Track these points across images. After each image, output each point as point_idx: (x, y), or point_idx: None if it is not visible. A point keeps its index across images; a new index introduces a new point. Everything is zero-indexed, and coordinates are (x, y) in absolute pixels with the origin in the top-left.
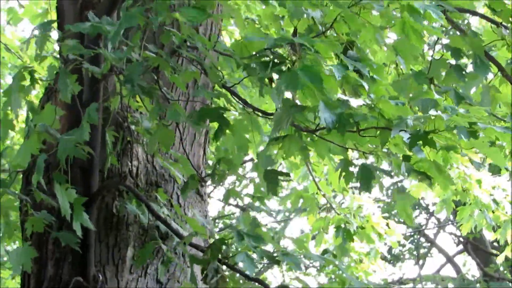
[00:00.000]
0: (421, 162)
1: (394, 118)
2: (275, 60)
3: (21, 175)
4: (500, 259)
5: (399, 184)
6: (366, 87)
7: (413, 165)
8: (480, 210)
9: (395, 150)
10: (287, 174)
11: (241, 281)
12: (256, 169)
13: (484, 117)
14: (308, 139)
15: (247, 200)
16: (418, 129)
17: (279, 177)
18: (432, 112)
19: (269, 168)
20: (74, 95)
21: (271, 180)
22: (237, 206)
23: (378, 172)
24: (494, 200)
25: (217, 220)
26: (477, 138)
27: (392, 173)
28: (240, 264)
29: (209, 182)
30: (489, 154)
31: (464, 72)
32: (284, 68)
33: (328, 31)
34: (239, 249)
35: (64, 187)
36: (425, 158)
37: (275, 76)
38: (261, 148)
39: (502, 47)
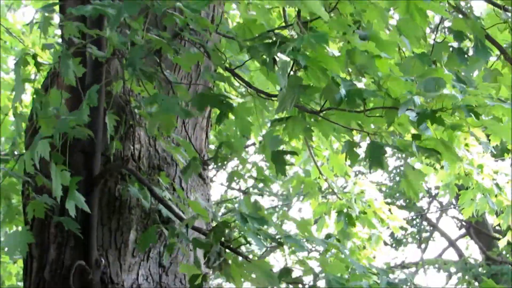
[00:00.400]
0: (427, 140)
1: (401, 97)
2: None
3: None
4: (502, 243)
5: (406, 163)
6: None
7: (420, 144)
8: (483, 194)
9: (399, 130)
10: (295, 153)
11: (244, 265)
12: (262, 151)
13: (491, 96)
14: (312, 120)
15: (250, 183)
16: (425, 108)
17: (286, 157)
18: (439, 91)
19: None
20: (77, 79)
21: (279, 160)
22: (239, 190)
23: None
24: (497, 185)
25: (219, 205)
26: (478, 118)
27: (398, 154)
28: (243, 248)
29: (211, 166)
30: (497, 130)
31: (466, 56)
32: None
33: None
34: (241, 233)
35: (59, 168)
36: (431, 136)
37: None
38: (264, 132)
39: (504, 30)
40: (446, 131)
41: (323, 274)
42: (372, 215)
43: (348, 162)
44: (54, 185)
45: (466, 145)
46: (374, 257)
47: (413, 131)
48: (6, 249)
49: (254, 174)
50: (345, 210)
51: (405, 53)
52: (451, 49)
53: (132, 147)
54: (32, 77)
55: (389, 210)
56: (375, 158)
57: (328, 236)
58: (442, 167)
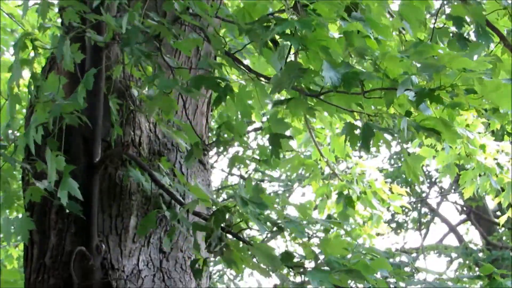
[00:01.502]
0: (427, 120)
1: (399, 77)
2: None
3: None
4: (502, 220)
5: (403, 149)
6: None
7: (419, 123)
8: (484, 173)
9: (399, 110)
10: (291, 137)
11: (246, 249)
12: (268, 132)
13: (488, 71)
14: (314, 101)
15: (251, 168)
16: (423, 87)
17: (283, 140)
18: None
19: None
20: (76, 66)
21: (275, 143)
22: (240, 176)
23: (379, 132)
24: (498, 164)
25: (220, 191)
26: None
27: (397, 135)
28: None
29: (212, 152)
30: (497, 99)
31: (466, 41)
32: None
33: None
34: (242, 219)
35: (54, 154)
36: (431, 116)
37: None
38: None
39: (504, 17)
40: (446, 109)
41: (323, 257)
42: (372, 196)
43: (348, 144)
44: (49, 170)
45: (467, 125)
46: (377, 234)
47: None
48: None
49: (256, 159)
50: (345, 192)
51: (405, 37)
52: (451, 34)
53: (132, 133)
54: (32, 59)
55: (390, 189)
56: (365, 140)
57: (329, 217)
58: (442, 149)
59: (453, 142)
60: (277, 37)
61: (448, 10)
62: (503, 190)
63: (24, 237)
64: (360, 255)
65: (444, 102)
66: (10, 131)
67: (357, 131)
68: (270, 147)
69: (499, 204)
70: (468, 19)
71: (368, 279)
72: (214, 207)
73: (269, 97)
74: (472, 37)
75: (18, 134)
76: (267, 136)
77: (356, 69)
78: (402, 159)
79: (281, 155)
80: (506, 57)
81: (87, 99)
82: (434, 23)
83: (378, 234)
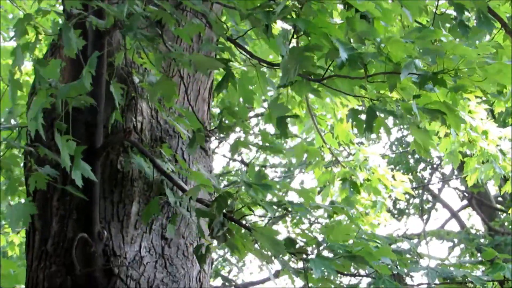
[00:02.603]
0: (430, 104)
1: (402, 60)
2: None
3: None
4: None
5: (411, 123)
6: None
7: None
8: (487, 160)
9: (402, 95)
10: (297, 116)
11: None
12: (268, 119)
13: (491, 55)
14: (317, 85)
15: (252, 155)
16: (426, 70)
17: (288, 120)
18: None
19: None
20: (78, 52)
21: (282, 124)
22: (242, 162)
23: (383, 115)
24: (501, 151)
25: (221, 177)
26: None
27: (400, 126)
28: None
29: (214, 137)
30: (501, 78)
31: (467, 28)
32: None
33: None
34: (244, 205)
35: (65, 138)
36: (434, 100)
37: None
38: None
39: (506, 3)
40: (449, 93)
41: (325, 244)
42: (377, 182)
43: (354, 130)
44: (62, 154)
45: (470, 112)
46: (378, 224)
47: None
48: (8, 220)
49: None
50: (349, 178)
51: (406, 24)
52: (453, 21)
53: (134, 119)
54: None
55: (393, 176)
56: (368, 123)
57: (332, 203)
58: (445, 135)
59: (457, 127)
60: (279, 22)
61: None
62: (505, 178)
63: (25, 222)
64: (364, 242)
65: (448, 85)
66: (12, 119)
67: (362, 116)
68: (277, 129)
69: (500, 187)
70: (469, 5)
71: (372, 264)
72: (216, 193)
73: (271, 83)
74: (474, 24)
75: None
76: (269, 122)
77: (360, 51)
78: (408, 139)
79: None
80: (508, 43)
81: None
82: (436, 7)
83: (379, 224)
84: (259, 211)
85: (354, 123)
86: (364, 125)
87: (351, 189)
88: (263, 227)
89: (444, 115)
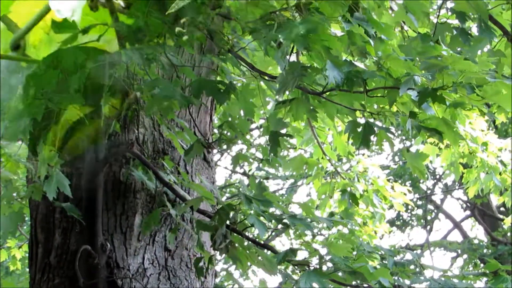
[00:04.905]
0: (429, 120)
1: (402, 76)
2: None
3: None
4: (508, 222)
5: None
6: (372, 44)
7: (421, 123)
8: (487, 172)
9: (402, 109)
10: (290, 136)
11: (251, 249)
12: (267, 133)
13: (493, 71)
14: (316, 101)
15: (254, 167)
16: (426, 86)
17: (281, 139)
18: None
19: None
20: None
21: (274, 141)
22: (244, 174)
23: (382, 130)
24: (501, 162)
25: (223, 189)
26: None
27: (400, 131)
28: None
29: (216, 150)
30: (499, 100)
31: (469, 36)
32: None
33: None
34: (247, 216)
35: (47, 148)
36: (433, 115)
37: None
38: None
39: (507, 11)
40: (448, 109)
41: (329, 257)
42: (373, 194)
43: (351, 141)
44: (40, 164)
45: (470, 123)
46: (375, 233)
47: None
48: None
49: (259, 158)
50: (348, 189)
51: (407, 33)
52: (454, 30)
53: (136, 131)
54: None
55: (392, 187)
56: (365, 137)
57: (331, 214)
58: (446, 146)
59: (455, 143)
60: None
61: (450, 5)
62: (506, 190)
63: (14, 231)
64: (365, 258)
65: (447, 102)
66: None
67: (360, 129)
68: (269, 145)
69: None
70: (471, 14)
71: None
72: (218, 205)
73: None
74: (475, 32)
75: None
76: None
77: (358, 68)
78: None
79: (282, 153)
80: (510, 52)
81: (91, 97)
82: (437, 17)
83: (382, 236)
84: None
85: (352, 135)
86: (362, 140)
87: (350, 201)
88: (256, 249)
89: (441, 134)
